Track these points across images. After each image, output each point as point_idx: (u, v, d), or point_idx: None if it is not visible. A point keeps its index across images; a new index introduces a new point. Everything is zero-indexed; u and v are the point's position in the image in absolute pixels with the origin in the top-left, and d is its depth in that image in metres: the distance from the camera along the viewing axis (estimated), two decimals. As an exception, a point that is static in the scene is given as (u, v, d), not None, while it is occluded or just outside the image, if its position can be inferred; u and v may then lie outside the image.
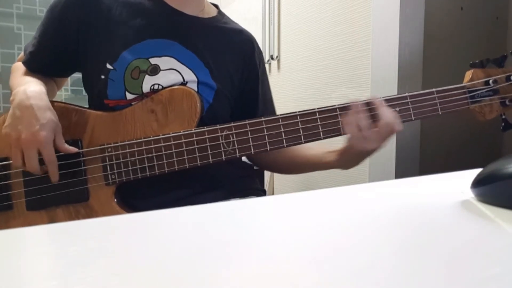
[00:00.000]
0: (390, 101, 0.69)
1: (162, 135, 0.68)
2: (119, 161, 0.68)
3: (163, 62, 0.72)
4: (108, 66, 0.71)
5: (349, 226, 0.29)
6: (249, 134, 0.68)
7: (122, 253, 0.25)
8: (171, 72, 0.73)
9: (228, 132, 0.68)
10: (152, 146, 0.67)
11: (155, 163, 0.67)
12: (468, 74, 0.73)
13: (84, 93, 0.79)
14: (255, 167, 0.94)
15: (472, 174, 0.36)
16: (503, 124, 0.73)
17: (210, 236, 0.27)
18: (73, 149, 0.67)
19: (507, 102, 0.72)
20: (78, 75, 0.81)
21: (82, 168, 0.68)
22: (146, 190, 0.71)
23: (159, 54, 0.73)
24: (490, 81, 0.72)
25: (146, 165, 0.67)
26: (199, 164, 0.67)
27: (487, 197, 0.34)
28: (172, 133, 0.67)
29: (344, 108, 0.69)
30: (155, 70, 0.72)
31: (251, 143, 0.68)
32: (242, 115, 0.76)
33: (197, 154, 0.67)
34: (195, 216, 0.33)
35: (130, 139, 0.68)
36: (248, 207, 0.36)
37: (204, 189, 0.74)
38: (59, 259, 0.24)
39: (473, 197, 0.35)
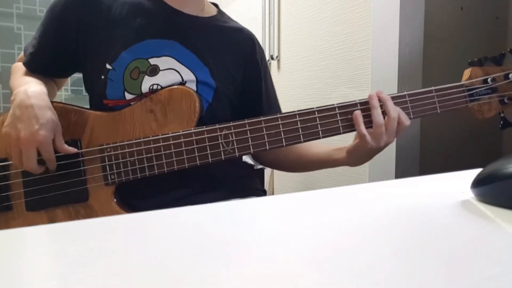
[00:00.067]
0: None
1: (161, 135, 0.68)
2: (118, 161, 0.68)
3: (162, 62, 0.72)
4: (108, 66, 0.71)
5: (349, 226, 0.29)
6: (248, 134, 0.68)
7: (122, 253, 0.25)
8: (170, 72, 0.73)
9: (227, 132, 0.68)
10: (152, 146, 0.67)
11: (155, 163, 0.67)
12: (467, 73, 0.73)
13: (84, 93, 0.79)
14: (255, 167, 0.94)
15: (472, 174, 0.36)
16: (501, 122, 0.73)
17: (210, 236, 0.27)
18: (72, 150, 0.67)
19: (505, 100, 0.72)
20: (78, 75, 0.81)
21: (82, 168, 0.68)
22: (146, 190, 0.71)
23: (159, 54, 0.73)
24: (489, 79, 0.72)
25: (146, 165, 0.67)
26: (198, 164, 0.67)
27: (487, 197, 0.34)
28: (171, 133, 0.67)
29: (343, 107, 0.69)
30: (154, 70, 0.72)
31: (250, 143, 0.68)
32: (247, 115, 0.76)
33: (196, 154, 0.67)
34: (195, 216, 0.33)
35: (129, 139, 0.68)
36: (248, 207, 0.36)
37: (204, 189, 0.74)
38: (59, 259, 0.24)
39: (473, 197, 0.35)
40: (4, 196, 0.68)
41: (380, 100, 0.68)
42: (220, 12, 0.85)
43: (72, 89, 2.27)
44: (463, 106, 0.72)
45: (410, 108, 0.70)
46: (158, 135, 0.67)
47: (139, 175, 0.67)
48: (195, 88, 0.73)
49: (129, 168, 0.67)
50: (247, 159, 0.94)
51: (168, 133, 0.67)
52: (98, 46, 0.73)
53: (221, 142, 0.67)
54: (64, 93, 2.24)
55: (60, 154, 0.66)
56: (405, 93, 0.70)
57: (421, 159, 1.28)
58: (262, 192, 0.87)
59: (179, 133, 0.67)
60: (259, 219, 0.33)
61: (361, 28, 1.35)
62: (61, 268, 0.23)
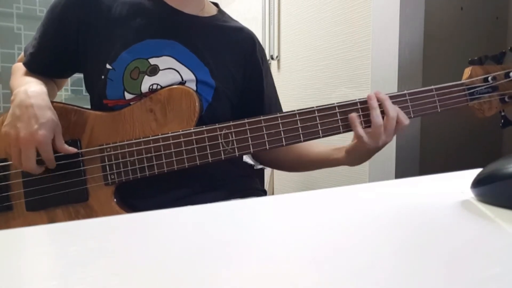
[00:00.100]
0: (390, 99, 0.69)
1: (161, 134, 0.67)
2: (118, 161, 0.68)
3: (162, 62, 0.72)
4: (108, 66, 0.71)
5: (349, 226, 0.29)
6: (248, 133, 0.68)
7: (122, 253, 0.25)
8: (170, 71, 0.73)
9: (227, 131, 0.68)
10: (151, 145, 0.67)
11: (154, 163, 0.67)
12: (467, 71, 0.73)
13: (84, 93, 0.79)
14: (255, 167, 0.94)
15: (472, 174, 0.36)
16: (502, 121, 0.73)
17: (210, 236, 0.27)
18: (72, 149, 0.67)
19: (506, 99, 0.72)
20: (78, 75, 0.81)
21: (82, 168, 0.68)
22: (146, 190, 0.71)
23: (159, 54, 0.73)
24: (489, 78, 0.72)
25: (145, 165, 0.67)
26: (198, 164, 0.67)
27: (487, 197, 0.34)
28: (171, 133, 0.67)
29: (343, 107, 0.69)
30: (154, 70, 0.72)
31: (250, 142, 0.68)
32: (248, 114, 0.76)
33: (196, 154, 0.67)
34: (195, 216, 0.33)
35: (129, 139, 0.68)
36: (248, 207, 0.36)
37: (204, 189, 0.75)
38: (59, 259, 0.24)
39: (473, 197, 0.35)
40: (4, 196, 0.68)
41: (378, 100, 0.68)
42: (220, 11, 0.85)
43: (72, 89, 2.27)
44: (464, 105, 0.72)
45: (410, 107, 0.70)
46: (158, 135, 0.67)
47: (139, 175, 0.67)
48: (194, 88, 0.73)
49: (129, 168, 0.67)
50: (247, 159, 0.94)
51: (168, 133, 0.67)
52: (98, 46, 0.73)
53: (221, 142, 0.67)
54: (64, 93, 2.24)
55: (60, 154, 0.66)
56: (406, 92, 0.70)
57: (421, 159, 1.28)
58: (262, 192, 0.87)
59: (178, 133, 0.67)
60: (259, 219, 0.33)
61: (361, 28, 1.35)
62: (61, 268, 0.23)
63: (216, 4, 0.87)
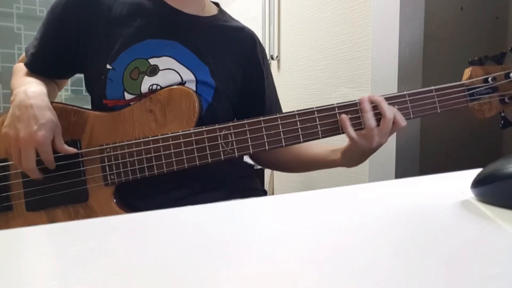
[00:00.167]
0: (389, 100, 0.69)
1: (161, 135, 0.68)
2: (118, 161, 0.68)
3: (162, 62, 0.72)
4: (108, 66, 0.71)
5: (349, 226, 0.29)
6: (248, 134, 0.68)
7: (122, 253, 0.25)
8: (170, 72, 0.73)
9: (226, 132, 0.68)
10: (151, 146, 0.67)
11: (154, 163, 0.67)
12: (467, 72, 0.73)
13: (84, 93, 0.79)
14: (255, 167, 0.94)
15: (472, 174, 0.36)
16: (502, 121, 0.73)
17: (210, 236, 0.27)
18: (72, 150, 0.67)
19: (506, 100, 0.72)
20: (78, 75, 0.81)
21: (81, 168, 0.68)
22: (146, 190, 0.71)
23: (159, 54, 0.73)
24: (489, 79, 0.71)
25: (145, 165, 0.67)
26: (198, 164, 0.67)
27: (487, 197, 0.34)
28: (171, 133, 0.67)
29: (343, 107, 0.69)
30: (154, 70, 0.72)
31: (249, 143, 0.68)
32: (248, 114, 0.75)
33: (196, 154, 0.67)
34: (195, 216, 0.33)
35: (129, 139, 0.68)
36: (248, 207, 0.36)
37: (204, 189, 0.74)
38: (59, 259, 0.24)
39: (473, 197, 0.35)
40: (4, 196, 0.68)
41: (374, 102, 0.68)
42: (221, 11, 0.85)
43: (72, 89, 2.27)
44: (464, 105, 0.72)
45: (410, 108, 0.70)
46: (158, 135, 0.67)
47: (138, 175, 0.67)
48: (194, 88, 0.73)
49: (129, 168, 0.67)
50: (247, 159, 0.94)
51: (168, 134, 0.67)
52: (98, 46, 0.73)
53: (221, 143, 0.67)
54: (64, 93, 2.24)
55: (60, 154, 0.66)
56: (405, 92, 0.70)
57: (421, 159, 1.28)
58: (262, 192, 0.87)
59: (178, 133, 0.67)
60: (259, 219, 0.33)
61: (361, 28, 1.35)
62: (61, 268, 0.23)
63: (217, 4, 0.87)
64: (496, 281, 0.19)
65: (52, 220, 0.68)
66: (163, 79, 0.72)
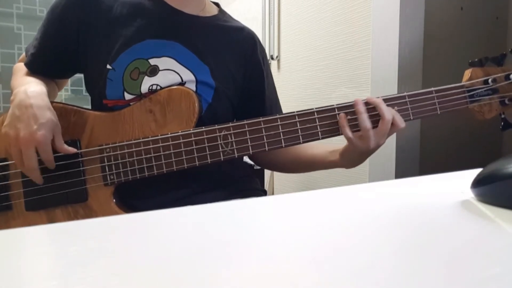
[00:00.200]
0: (389, 101, 0.69)
1: (161, 135, 0.68)
2: (117, 161, 0.68)
3: (162, 62, 0.72)
4: (108, 66, 0.71)
5: (349, 226, 0.29)
6: (248, 135, 0.68)
7: (122, 253, 0.25)
8: (170, 72, 0.73)
9: (226, 132, 0.68)
10: (151, 146, 0.67)
11: (154, 163, 0.67)
12: (467, 73, 0.73)
13: (84, 93, 0.79)
14: (255, 167, 0.94)
15: (472, 174, 0.36)
16: (502, 123, 0.73)
17: (210, 236, 0.27)
18: (72, 150, 0.67)
19: (506, 101, 0.72)
20: (78, 75, 0.81)
21: (81, 168, 0.68)
22: (145, 191, 0.71)
23: (159, 54, 0.73)
24: (489, 80, 0.71)
25: (145, 165, 0.67)
26: (197, 164, 0.67)
27: (487, 197, 0.34)
28: (171, 134, 0.67)
29: (343, 108, 0.69)
30: (154, 71, 0.72)
31: (249, 144, 0.68)
32: (248, 114, 0.75)
33: (196, 155, 0.67)
34: (195, 216, 0.33)
35: (128, 140, 0.68)
36: (248, 207, 0.36)
37: (204, 189, 0.74)
38: (59, 259, 0.24)
39: (473, 197, 0.35)
40: (4, 196, 0.68)
41: (372, 104, 0.68)
42: (221, 11, 0.85)
43: (72, 89, 2.27)
44: (464, 107, 0.72)
45: (410, 109, 0.70)
46: (157, 136, 0.67)
47: (138, 175, 0.67)
48: (194, 89, 0.73)
49: (128, 168, 0.67)
50: (247, 159, 0.94)
51: (167, 134, 0.67)
52: (98, 46, 0.73)
53: (220, 143, 0.67)
54: (64, 93, 2.24)
55: (60, 154, 0.66)
56: (405, 93, 0.70)
57: (421, 159, 1.28)
58: (262, 192, 0.87)
59: (178, 134, 0.67)
60: (259, 219, 0.33)
61: (361, 28, 1.35)
62: (61, 268, 0.23)
63: (217, 4, 0.87)
64: (496, 281, 0.19)
65: (51, 220, 0.68)
66: (163, 79, 0.72)
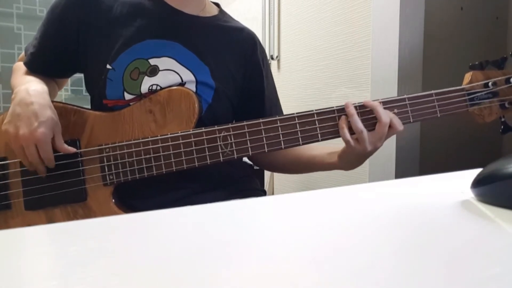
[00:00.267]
0: (389, 103, 0.69)
1: (160, 135, 0.67)
2: (117, 161, 0.68)
3: (162, 62, 0.72)
4: (108, 66, 0.71)
5: (349, 226, 0.29)
6: (247, 136, 0.68)
7: (122, 253, 0.25)
8: (170, 72, 0.73)
9: (226, 133, 0.68)
10: (150, 146, 0.67)
11: (153, 163, 0.67)
12: (467, 76, 0.73)
13: (84, 93, 0.79)
14: (255, 167, 0.94)
15: (472, 174, 0.36)
16: (502, 126, 0.73)
17: (210, 236, 0.27)
18: (71, 149, 0.67)
19: (506, 105, 0.72)
20: (78, 75, 0.81)
21: (80, 168, 0.68)
22: (145, 191, 0.71)
23: (159, 54, 0.73)
24: (490, 84, 0.71)
25: (144, 165, 0.67)
26: (196, 165, 0.67)
27: (487, 197, 0.34)
28: (170, 134, 0.67)
29: (342, 110, 0.69)
30: (154, 71, 0.72)
31: (249, 145, 0.68)
32: (248, 114, 0.75)
33: (195, 156, 0.67)
34: (195, 216, 0.33)
35: (128, 140, 0.68)
36: (248, 207, 0.36)
37: (204, 189, 0.74)
38: (59, 259, 0.24)
39: (473, 197, 0.35)
40: (3, 195, 0.68)
41: (369, 107, 0.68)
42: (221, 11, 0.85)
43: (72, 89, 2.27)
44: (464, 110, 0.72)
45: (410, 112, 0.70)
46: (157, 136, 0.67)
47: (137, 176, 0.67)
48: (194, 89, 0.73)
49: (128, 168, 0.67)
50: (246, 159, 0.94)
51: (167, 134, 0.67)
52: (98, 46, 0.73)
53: (220, 144, 0.67)
54: (64, 93, 2.24)
55: (59, 153, 0.66)
56: (405, 96, 0.70)
57: (421, 159, 1.28)
58: (262, 192, 0.87)
59: (177, 134, 0.67)
60: (259, 219, 0.33)
61: (361, 28, 1.35)
62: (61, 268, 0.23)
63: (217, 4, 0.87)
64: (496, 281, 0.19)
65: (50, 220, 0.68)
66: (163, 79, 0.72)
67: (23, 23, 2.18)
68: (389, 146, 1.23)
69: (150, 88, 0.71)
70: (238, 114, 0.82)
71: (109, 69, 0.71)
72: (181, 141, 0.67)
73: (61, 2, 0.74)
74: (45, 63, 0.77)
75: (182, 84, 0.73)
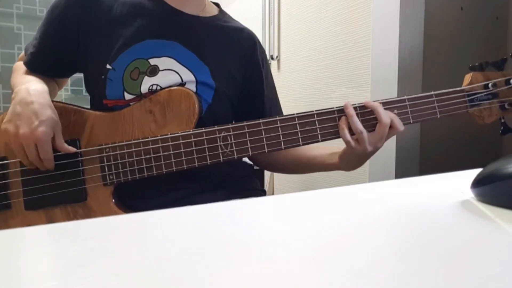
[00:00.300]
0: (389, 104, 0.69)
1: (160, 136, 0.67)
2: (117, 161, 0.68)
3: (162, 62, 0.72)
4: (108, 66, 0.71)
5: (349, 226, 0.29)
6: (247, 136, 0.68)
7: (122, 253, 0.25)
8: (170, 72, 0.73)
9: (226, 134, 0.68)
10: (150, 146, 0.67)
11: (153, 164, 0.67)
12: (467, 78, 0.73)
13: (84, 93, 0.79)
14: (255, 167, 0.94)
15: (472, 174, 0.36)
16: (502, 128, 0.73)
17: (210, 236, 0.27)
18: (72, 149, 0.67)
19: (506, 106, 0.72)
20: (78, 75, 0.81)
21: (80, 168, 0.68)
22: (145, 191, 0.71)
23: (159, 54, 0.73)
24: (490, 85, 0.71)
25: (144, 166, 0.67)
26: (196, 165, 0.67)
27: (487, 197, 0.34)
28: (170, 134, 0.67)
29: (343, 111, 0.69)
30: (154, 71, 0.72)
31: (249, 145, 0.68)
32: (248, 114, 0.75)
33: (195, 156, 0.67)
34: (195, 216, 0.33)
35: (128, 140, 0.68)
36: (248, 207, 0.36)
37: (203, 189, 0.74)
38: (59, 259, 0.24)
39: (473, 197, 0.35)
40: (3, 194, 0.68)
41: (369, 108, 0.68)
42: (221, 11, 0.85)
43: (72, 89, 2.27)
44: (464, 111, 0.72)
45: (409, 113, 0.70)
46: (157, 136, 0.67)
47: (137, 176, 0.67)
48: (194, 89, 0.73)
49: (128, 168, 0.67)
50: (246, 159, 0.94)
51: (167, 134, 0.67)
52: (98, 46, 0.73)
53: (220, 145, 0.67)
54: (64, 93, 2.24)
55: (59, 153, 0.66)
56: (405, 97, 0.70)
57: (421, 159, 1.28)
58: (262, 192, 0.87)
59: (178, 135, 0.67)
60: (259, 219, 0.33)
61: (361, 28, 1.35)
62: (61, 268, 0.23)
63: (217, 5, 0.87)
64: (496, 281, 0.19)
65: (50, 220, 0.68)
66: (163, 79, 0.72)
67: (23, 23, 2.18)
68: (389, 146, 1.23)
69: (150, 88, 0.71)
70: (238, 114, 0.83)
71: (109, 69, 0.71)
72: (181, 141, 0.67)
73: (61, 2, 0.74)
74: (45, 63, 0.77)
75: (182, 84, 0.73)
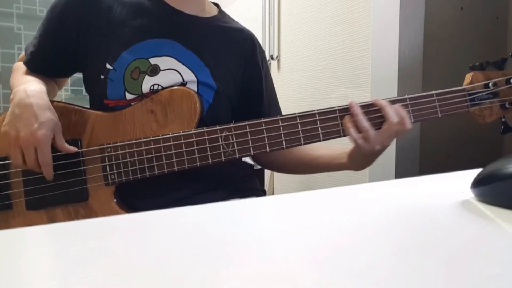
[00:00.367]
0: (393, 103, 0.69)
1: (162, 135, 0.68)
2: (118, 161, 0.68)
3: (163, 62, 0.72)
4: (108, 66, 0.71)
5: (349, 226, 0.29)
6: (249, 136, 0.68)
7: (122, 253, 0.25)
8: (171, 72, 0.73)
9: (227, 133, 0.68)
10: (152, 146, 0.67)
11: (155, 163, 0.67)
12: (468, 77, 0.73)
13: (84, 93, 0.79)
14: (255, 167, 0.94)
15: (472, 174, 0.36)
16: (502, 127, 0.73)
17: (210, 236, 0.27)
18: (73, 149, 0.67)
19: (507, 105, 0.72)
20: (78, 75, 0.81)
21: (82, 168, 0.68)
22: (146, 191, 0.71)
23: (159, 54, 0.73)
24: (490, 84, 0.72)
25: (146, 165, 0.67)
26: (198, 165, 0.67)
27: (487, 197, 0.34)
28: (172, 134, 0.67)
29: (344, 110, 0.69)
30: (154, 70, 0.72)
31: (250, 145, 0.68)
32: (247, 115, 0.75)
33: (197, 155, 0.67)
34: (195, 216, 0.33)
35: (129, 139, 0.68)
36: (248, 207, 0.36)
37: (204, 189, 0.74)
38: (59, 259, 0.24)
39: (473, 197, 0.35)
40: (4, 194, 0.68)
41: (377, 106, 0.68)
42: (221, 12, 0.85)
43: (72, 89, 2.27)
44: (464, 110, 0.72)
45: (411, 112, 0.70)
46: (159, 136, 0.67)
47: (139, 175, 0.67)
48: (195, 89, 0.73)
49: (129, 168, 0.67)
50: (247, 159, 0.94)
51: (169, 134, 0.67)
52: (98, 46, 0.73)
53: (222, 144, 0.67)
54: (64, 93, 2.24)
55: (61, 153, 0.66)
56: (406, 96, 0.70)
57: (421, 159, 1.28)
58: (262, 192, 0.87)
59: (179, 134, 0.67)
60: (259, 219, 0.33)
61: (361, 28, 1.35)
62: (61, 268, 0.23)
63: (217, 5, 0.87)
64: (496, 281, 0.19)
65: (52, 220, 0.68)
66: (164, 79, 0.72)
67: (23, 23, 2.18)
68: (389, 146, 1.22)
69: (152, 88, 0.71)
70: (237, 114, 0.83)
71: (109, 69, 0.71)
72: (182, 141, 0.67)
73: (61, 2, 0.74)
74: (45, 63, 0.77)
75: (183, 84, 0.73)
